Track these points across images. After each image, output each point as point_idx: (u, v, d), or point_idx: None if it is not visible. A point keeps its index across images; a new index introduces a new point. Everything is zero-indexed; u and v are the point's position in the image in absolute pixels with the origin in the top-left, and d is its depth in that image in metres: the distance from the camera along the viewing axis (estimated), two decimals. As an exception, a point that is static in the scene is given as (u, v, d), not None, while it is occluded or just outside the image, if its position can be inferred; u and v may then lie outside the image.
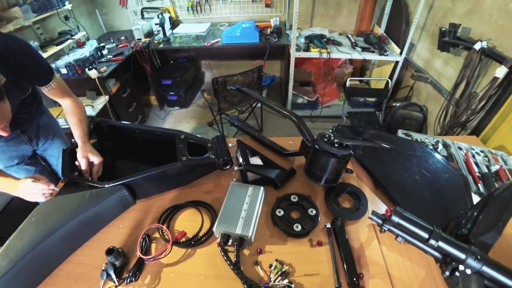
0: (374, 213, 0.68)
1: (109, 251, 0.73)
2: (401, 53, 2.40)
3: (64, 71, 2.16)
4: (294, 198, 0.87)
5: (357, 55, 2.47)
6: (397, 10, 2.60)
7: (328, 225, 0.78)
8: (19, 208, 0.84)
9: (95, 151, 0.98)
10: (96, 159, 0.96)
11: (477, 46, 1.58)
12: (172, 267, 0.75)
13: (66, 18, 2.60)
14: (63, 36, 2.44)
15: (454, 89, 1.83)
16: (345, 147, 0.82)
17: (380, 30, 2.82)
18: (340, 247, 0.72)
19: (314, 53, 2.50)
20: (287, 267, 0.70)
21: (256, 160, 1.01)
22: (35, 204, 0.83)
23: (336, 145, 0.82)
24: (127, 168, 1.19)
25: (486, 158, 1.06)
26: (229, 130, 2.79)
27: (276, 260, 0.72)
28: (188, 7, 3.04)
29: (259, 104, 2.70)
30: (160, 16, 2.70)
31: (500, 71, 1.44)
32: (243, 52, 3.31)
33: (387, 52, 2.45)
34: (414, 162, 0.95)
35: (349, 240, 0.75)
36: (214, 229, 0.77)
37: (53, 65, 2.17)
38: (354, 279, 0.66)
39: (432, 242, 0.58)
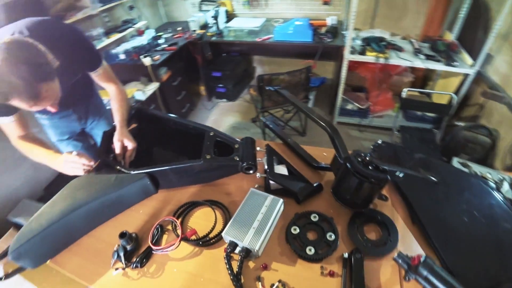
0: (400, 255, 0.58)
1: (122, 235, 0.76)
2: (473, 65, 2.07)
3: (122, 56, 2.35)
4: (314, 217, 0.79)
5: (419, 63, 2.20)
6: (474, 14, 2.23)
7: (346, 255, 0.69)
8: (69, 176, 0.94)
9: (131, 136, 1.02)
10: (130, 144, 1.00)
11: None
12: (177, 262, 0.76)
13: (131, 8, 2.83)
14: (126, 25, 2.65)
15: (538, 115, 1.52)
16: (381, 171, 0.72)
17: (451, 37, 2.47)
18: (353, 284, 0.63)
19: (370, 57, 2.30)
20: (290, 292, 0.64)
21: (281, 169, 0.95)
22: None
23: (370, 167, 0.73)
24: (160, 156, 1.24)
25: None
26: (270, 129, 2.75)
27: (279, 281, 0.66)
28: (244, 2, 3.05)
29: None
30: (216, 9, 2.76)
31: None
32: (294, 50, 3.21)
33: (457, 63, 2.13)
34: (465, 198, 0.79)
35: (366, 278, 0.65)
36: (223, 234, 0.75)
37: (113, 51, 2.39)
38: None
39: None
